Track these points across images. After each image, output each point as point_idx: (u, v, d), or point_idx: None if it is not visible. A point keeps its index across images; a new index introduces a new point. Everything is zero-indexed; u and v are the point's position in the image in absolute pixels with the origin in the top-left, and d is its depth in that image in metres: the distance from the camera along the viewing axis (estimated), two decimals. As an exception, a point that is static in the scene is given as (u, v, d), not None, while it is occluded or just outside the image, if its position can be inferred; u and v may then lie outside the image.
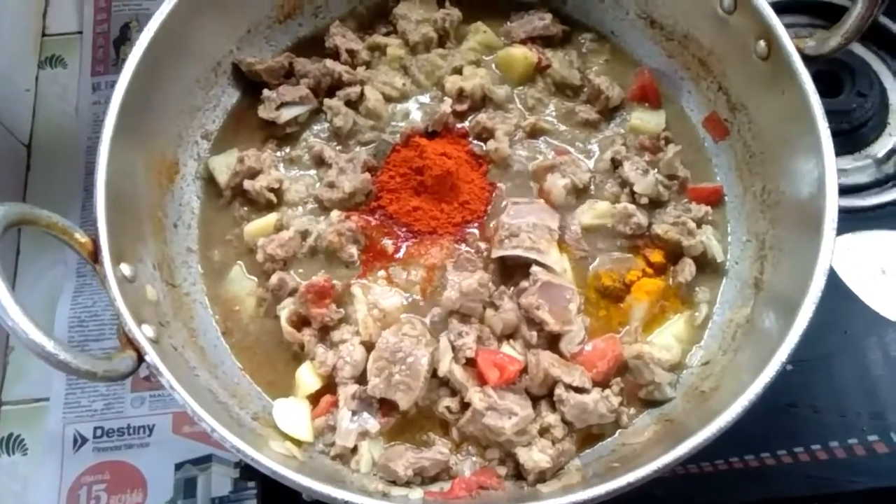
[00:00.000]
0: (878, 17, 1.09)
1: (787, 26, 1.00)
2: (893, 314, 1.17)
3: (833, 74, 1.29)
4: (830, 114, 0.96)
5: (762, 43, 1.01)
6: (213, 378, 0.97)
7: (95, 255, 0.90)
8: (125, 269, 0.92)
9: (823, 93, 0.97)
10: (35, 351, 0.76)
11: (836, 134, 0.95)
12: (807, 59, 0.98)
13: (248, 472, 1.20)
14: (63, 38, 1.58)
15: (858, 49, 1.35)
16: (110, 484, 1.22)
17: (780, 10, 1.02)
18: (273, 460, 0.81)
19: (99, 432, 1.26)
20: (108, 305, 1.32)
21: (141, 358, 0.85)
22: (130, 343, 0.86)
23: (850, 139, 1.29)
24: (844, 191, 1.16)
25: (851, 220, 1.18)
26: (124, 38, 1.57)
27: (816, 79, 0.97)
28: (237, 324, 1.07)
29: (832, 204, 0.90)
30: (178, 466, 1.23)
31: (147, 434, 1.26)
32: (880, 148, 1.30)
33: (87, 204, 1.42)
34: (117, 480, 1.22)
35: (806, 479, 1.08)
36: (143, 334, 0.86)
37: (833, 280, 0.91)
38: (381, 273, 1.08)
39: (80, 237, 0.89)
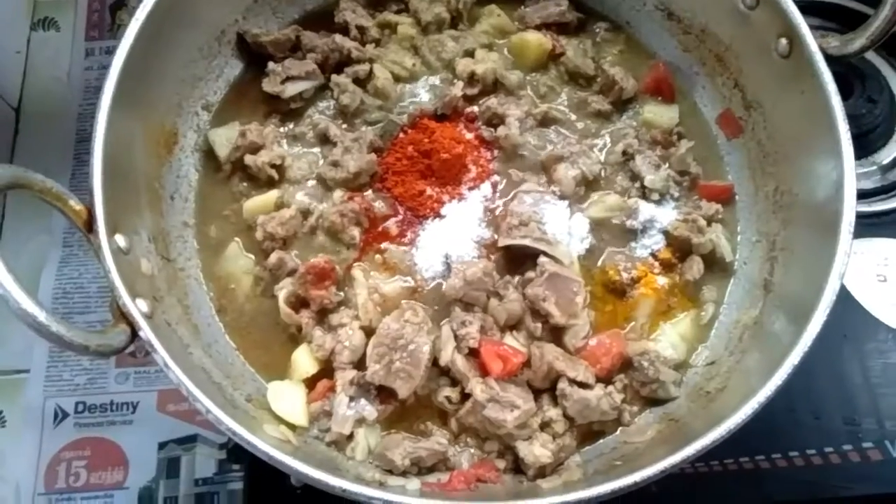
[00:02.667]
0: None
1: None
2: (894, 322, 1.16)
3: (843, 78, 1.26)
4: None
5: (784, 41, 0.99)
6: (207, 357, 0.94)
7: (90, 225, 0.86)
8: (120, 240, 0.88)
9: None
10: (26, 321, 0.73)
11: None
12: (828, 59, 0.96)
13: (235, 454, 1.18)
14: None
15: (870, 54, 1.33)
16: (91, 461, 1.19)
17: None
18: (269, 444, 0.79)
19: (81, 407, 1.22)
20: (94, 277, 1.31)
21: (135, 333, 0.82)
22: (124, 317, 0.82)
23: (856, 144, 1.25)
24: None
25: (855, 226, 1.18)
26: (121, 3, 1.53)
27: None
28: (232, 302, 1.04)
29: (850, 208, 0.89)
30: (162, 445, 1.20)
31: (130, 411, 1.23)
32: (886, 155, 1.30)
33: (77, 172, 1.38)
34: (98, 457, 1.19)
35: (800, 483, 1.08)
36: (137, 309, 0.82)
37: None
38: (383, 256, 1.05)
39: (75, 205, 0.86)
